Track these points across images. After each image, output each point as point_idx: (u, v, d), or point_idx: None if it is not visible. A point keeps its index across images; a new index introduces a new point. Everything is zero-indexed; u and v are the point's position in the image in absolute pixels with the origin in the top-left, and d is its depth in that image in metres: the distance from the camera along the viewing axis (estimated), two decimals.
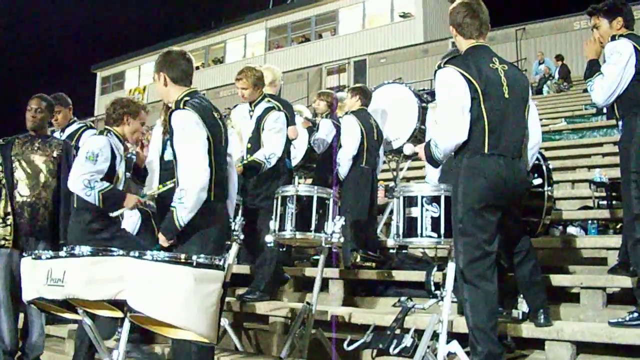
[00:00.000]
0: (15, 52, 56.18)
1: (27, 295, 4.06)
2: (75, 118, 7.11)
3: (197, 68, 36.66)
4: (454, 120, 4.30)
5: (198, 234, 4.34)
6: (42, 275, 3.84)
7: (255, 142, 6.57)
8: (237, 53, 37.21)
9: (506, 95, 4.30)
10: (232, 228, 5.07)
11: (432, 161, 4.56)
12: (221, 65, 37.43)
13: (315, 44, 33.72)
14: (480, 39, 4.51)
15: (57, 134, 6.84)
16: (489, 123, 4.26)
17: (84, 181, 5.07)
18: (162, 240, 4.27)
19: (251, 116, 6.72)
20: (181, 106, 4.40)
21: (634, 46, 4.89)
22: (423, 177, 5.94)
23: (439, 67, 4.51)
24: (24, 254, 4.26)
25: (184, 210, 4.21)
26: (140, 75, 40.72)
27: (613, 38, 5.06)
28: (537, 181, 5.30)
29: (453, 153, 4.41)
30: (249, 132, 6.70)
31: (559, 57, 21.71)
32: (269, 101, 6.71)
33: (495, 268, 4.32)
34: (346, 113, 7.74)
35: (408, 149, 5.24)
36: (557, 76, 21.37)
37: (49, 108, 6.05)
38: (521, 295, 4.99)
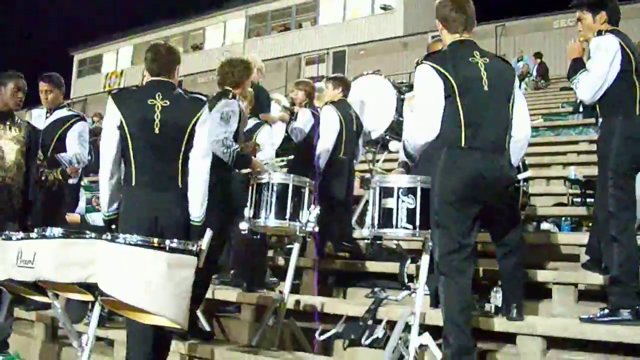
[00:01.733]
0: None
1: None
2: (66, 102, 7.07)
3: None
4: (423, 119, 4.39)
5: (120, 220, 4.55)
6: (12, 256, 3.80)
7: None
8: (216, 40, 37.00)
9: (485, 89, 4.28)
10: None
11: (409, 157, 4.61)
12: (200, 51, 37.21)
13: (295, 33, 33.63)
14: (465, 33, 4.49)
15: (42, 114, 6.79)
16: (465, 117, 4.25)
17: (223, 140, 5.29)
18: None
19: None
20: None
21: (620, 43, 4.90)
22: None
23: (418, 63, 4.50)
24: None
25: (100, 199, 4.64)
26: (118, 59, 40.40)
27: (599, 33, 5.05)
28: (526, 174, 5.32)
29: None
30: None
31: (538, 55, 21.79)
32: (257, 118, 6.94)
33: (472, 261, 4.33)
34: (326, 103, 7.71)
35: (393, 146, 5.27)
36: (535, 74, 21.46)
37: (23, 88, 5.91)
38: (494, 289, 5.01)
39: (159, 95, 4.57)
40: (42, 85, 6.76)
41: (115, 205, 4.61)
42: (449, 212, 4.24)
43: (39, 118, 6.74)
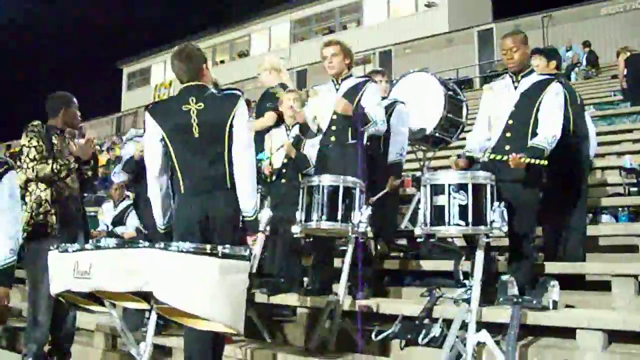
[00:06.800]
0: (41, 48, 56.70)
1: (54, 289, 4.07)
2: None
3: (222, 62, 36.84)
4: None
5: (174, 227, 4.64)
6: (68, 268, 3.84)
7: None
8: (261, 46, 37.27)
9: None
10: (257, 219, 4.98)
11: None
12: (246, 58, 37.48)
13: (339, 35, 33.57)
14: None
15: None
16: None
17: None
18: None
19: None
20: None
21: None
22: (449, 167, 5.83)
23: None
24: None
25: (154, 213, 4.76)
26: (166, 70, 40.89)
27: None
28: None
29: None
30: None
31: (586, 44, 21.44)
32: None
33: None
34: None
35: None
36: (584, 63, 21.11)
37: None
38: (551, 284, 4.92)
39: (192, 100, 4.56)
40: None
41: (168, 216, 4.70)
42: None
43: None
